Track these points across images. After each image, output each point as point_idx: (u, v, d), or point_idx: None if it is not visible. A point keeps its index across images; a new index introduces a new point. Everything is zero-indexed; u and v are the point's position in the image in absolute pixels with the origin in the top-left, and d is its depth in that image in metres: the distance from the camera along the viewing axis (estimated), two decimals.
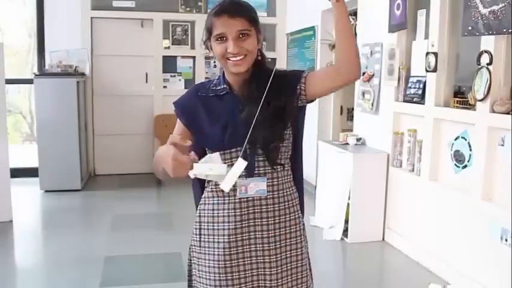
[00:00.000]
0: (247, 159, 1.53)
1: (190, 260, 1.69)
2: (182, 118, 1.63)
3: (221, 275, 1.57)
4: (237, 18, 1.50)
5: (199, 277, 1.63)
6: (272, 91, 1.51)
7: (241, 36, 1.50)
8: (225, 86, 1.60)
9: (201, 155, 1.52)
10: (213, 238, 1.60)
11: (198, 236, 1.64)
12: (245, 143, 1.45)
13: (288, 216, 1.62)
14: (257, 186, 1.55)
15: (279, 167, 1.59)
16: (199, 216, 1.65)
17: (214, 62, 1.62)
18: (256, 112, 1.47)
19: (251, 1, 1.66)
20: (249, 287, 1.59)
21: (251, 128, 1.45)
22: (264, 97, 1.49)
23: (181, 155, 1.34)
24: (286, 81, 1.59)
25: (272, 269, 1.58)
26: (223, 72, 1.63)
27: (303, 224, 1.71)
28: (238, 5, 1.54)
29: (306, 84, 1.57)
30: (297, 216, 1.65)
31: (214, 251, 1.59)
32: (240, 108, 1.56)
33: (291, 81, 1.59)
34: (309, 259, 1.72)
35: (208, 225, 1.62)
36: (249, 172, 1.55)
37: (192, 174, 1.35)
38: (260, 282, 1.59)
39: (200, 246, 1.63)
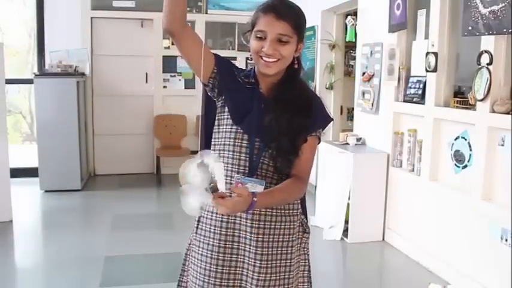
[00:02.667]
0: (252, 155, 1.53)
1: (190, 244, 1.71)
2: (220, 62, 1.58)
3: (212, 266, 1.58)
4: (282, 21, 1.47)
5: (193, 263, 1.65)
6: (302, 109, 1.55)
7: (280, 40, 1.48)
8: (252, 80, 1.59)
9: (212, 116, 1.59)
10: (210, 228, 1.60)
11: (196, 223, 1.66)
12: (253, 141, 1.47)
13: (283, 224, 1.60)
14: (253, 188, 1.51)
15: (282, 177, 1.58)
16: None
17: (251, 56, 1.63)
18: (284, 120, 1.51)
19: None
20: (237, 284, 1.59)
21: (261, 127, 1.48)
22: (293, 108, 1.53)
23: None
24: (315, 113, 1.60)
25: (261, 275, 1.57)
26: (255, 66, 1.62)
27: (307, 237, 1.70)
28: (288, 7, 1.51)
29: (307, 141, 1.60)
30: (292, 226, 1.62)
31: (209, 241, 1.60)
32: (262, 106, 1.56)
33: (318, 123, 1.61)
34: (309, 268, 1.72)
35: (207, 215, 1.62)
36: (250, 171, 1.55)
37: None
38: (248, 283, 1.59)
39: (196, 233, 1.65)
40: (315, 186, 4.90)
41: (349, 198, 4.16)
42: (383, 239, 4.21)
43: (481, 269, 3.11)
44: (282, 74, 1.57)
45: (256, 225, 1.57)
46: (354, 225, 4.15)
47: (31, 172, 6.02)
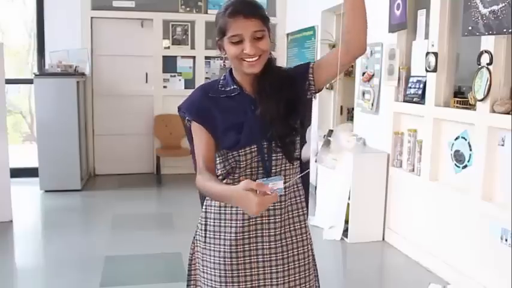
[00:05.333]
0: (264, 157, 1.53)
1: (193, 254, 1.69)
2: (198, 119, 1.57)
3: (227, 272, 1.58)
4: (252, 19, 1.48)
5: (204, 272, 1.64)
6: (284, 86, 1.55)
7: (256, 37, 1.49)
8: (235, 86, 1.58)
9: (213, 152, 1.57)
10: (219, 235, 1.60)
11: (203, 232, 1.64)
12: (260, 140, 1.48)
13: (294, 212, 1.63)
14: (275, 186, 1.52)
15: (294, 163, 1.59)
16: (206, 212, 1.64)
17: (225, 62, 1.57)
18: (272, 108, 1.51)
19: None
20: (255, 284, 1.59)
21: (262, 123, 1.48)
22: (277, 93, 1.53)
23: (266, 199, 1.29)
24: (296, 74, 1.61)
25: (279, 267, 1.59)
26: (230, 71, 1.61)
27: (307, 222, 1.72)
28: (252, 5, 1.52)
29: (314, 74, 1.59)
30: (301, 213, 1.66)
31: (220, 248, 1.59)
32: (252, 108, 1.56)
33: (300, 74, 1.60)
34: (314, 257, 1.73)
35: (214, 222, 1.61)
36: (266, 172, 1.55)
37: None
38: (266, 280, 1.60)
39: (205, 242, 1.63)
40: (315, 186, 4.90)
41: (349, 198, 4.16)
42: (383, 239, 4.21)
43: (481, 269, 3.11)
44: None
45: (267, 221, 1.58)
46: (354, 225, 4.15)
47: (31, 172, 6.03)
